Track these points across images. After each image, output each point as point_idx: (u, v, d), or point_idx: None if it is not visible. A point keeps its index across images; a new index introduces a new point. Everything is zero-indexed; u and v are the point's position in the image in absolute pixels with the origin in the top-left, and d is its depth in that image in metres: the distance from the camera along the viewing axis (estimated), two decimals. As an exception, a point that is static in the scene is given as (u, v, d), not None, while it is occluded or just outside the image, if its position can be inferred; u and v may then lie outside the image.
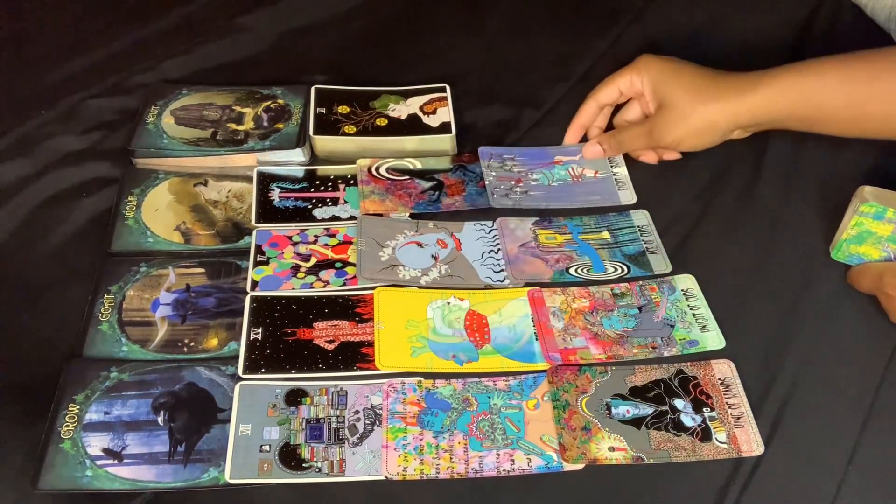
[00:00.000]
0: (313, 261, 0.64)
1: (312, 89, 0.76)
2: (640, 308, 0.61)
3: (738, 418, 0.54)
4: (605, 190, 0.70)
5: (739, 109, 0.63)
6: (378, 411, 0.55)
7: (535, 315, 0.61)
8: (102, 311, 0.60)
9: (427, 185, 0.70)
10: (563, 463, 0.52)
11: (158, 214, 0.67)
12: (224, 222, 0.67)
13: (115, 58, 0.82)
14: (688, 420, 0.55)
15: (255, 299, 0.61)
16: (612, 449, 0.53)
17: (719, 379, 0.57)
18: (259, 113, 0.74)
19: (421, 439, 0.53)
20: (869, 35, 0.82)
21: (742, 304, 0.61)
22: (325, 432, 0.54)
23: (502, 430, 0.54)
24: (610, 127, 0.74)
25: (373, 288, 0.62)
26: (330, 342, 0.58)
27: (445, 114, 0.74)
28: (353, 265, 0.63)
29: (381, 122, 0.74)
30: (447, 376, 0.57)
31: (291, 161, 0.71)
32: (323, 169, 0.71)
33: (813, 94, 0.62)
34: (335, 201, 0.68)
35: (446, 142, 0.73)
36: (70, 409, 0.54)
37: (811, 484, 0.52)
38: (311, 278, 0.63)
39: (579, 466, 0.52)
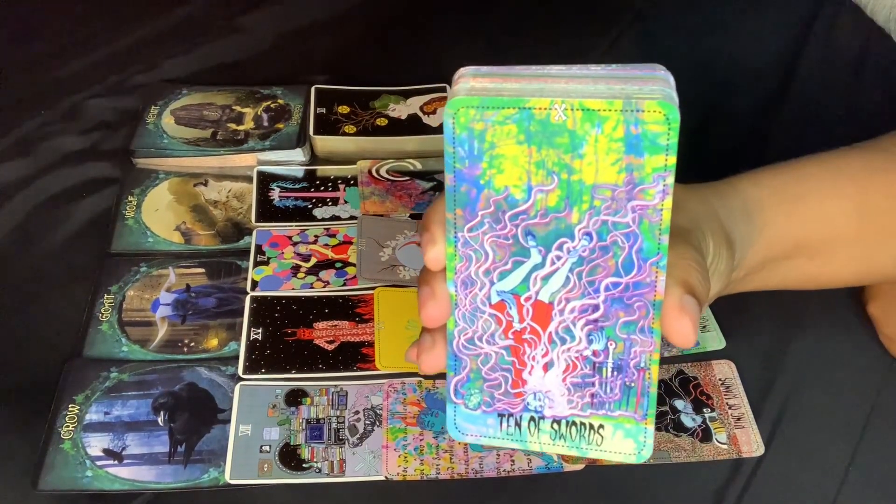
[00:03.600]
0: (313, 261, 0.64)
1: (312, 89, 0.76)
2: (640, 308, 0.61)
3: (739, 419, 0.54)
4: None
5: None
6: (378, 412, 0.55)
7: (535, 315, 0.60)
8: (102, 311, 0.60)
9: (427, 185, 0.70)
10: (563, 463, 0.52)
11: (158, 214, 0.67)
12: (224, 222, 0.67)
13: (115, 58, 0.81)
14: (688, 420, 0.55)
15: (255, 299, 0.61)
16: (612, 449, 0.53)
17: (720, 379, 0.57)
18: (259, 113, 0.74)
19: (421, 440, 0.53)
20: (869, 35, 0.82)
21: (742, 304, 0.61)
22: (325, 433, 0.54)
23: (502, 431, 0.54)
24: None
25: (373, 288, 0.62)
26: (330, 342, 0.58)
27: (445, 114, 0.74)
28: (353, 265, 0.63)
29: (382, 122, 0.74)
30: (447, 376, 0.57)
31: (291, 161, 0.71)
32: (323, 169, 0.71)
33: None
34: (335, 201, 0.68)
35: (446, 142, 0.73)
36: (70, 409, 0.54)
37: (811, 484, 0.52)
38: (312, 278, 0.62)
39: (579, 466, 0.52)
